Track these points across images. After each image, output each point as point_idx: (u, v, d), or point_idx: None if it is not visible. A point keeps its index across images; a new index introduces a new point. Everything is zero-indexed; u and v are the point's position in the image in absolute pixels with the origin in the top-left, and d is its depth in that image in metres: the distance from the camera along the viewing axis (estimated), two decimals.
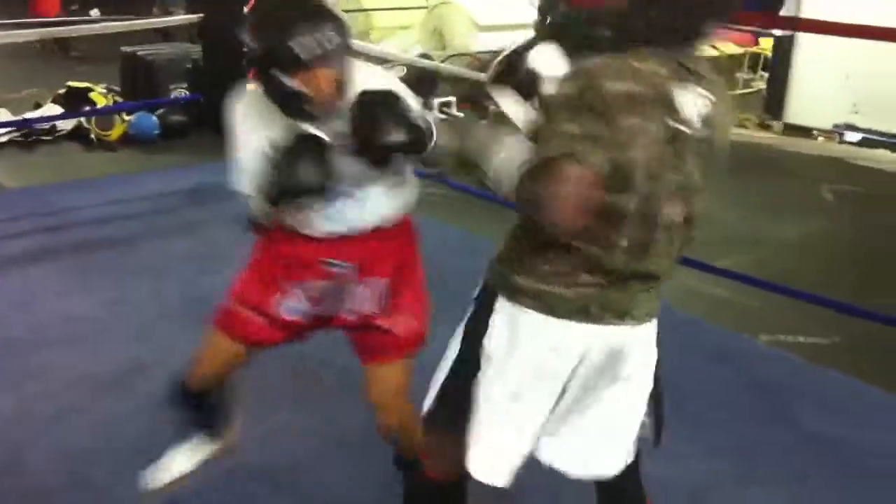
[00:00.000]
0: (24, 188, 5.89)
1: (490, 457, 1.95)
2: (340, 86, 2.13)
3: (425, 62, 8.09)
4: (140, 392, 3.36)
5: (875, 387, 3.69)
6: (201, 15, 5.95)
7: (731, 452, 3.17)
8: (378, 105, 2.04)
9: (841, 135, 7.96)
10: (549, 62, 1.87)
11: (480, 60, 8.57)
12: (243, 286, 2.46)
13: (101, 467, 2.95)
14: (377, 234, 2.34)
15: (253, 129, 2.23)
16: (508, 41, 2.18)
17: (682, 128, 1.73)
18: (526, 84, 1.91)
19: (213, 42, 5.97)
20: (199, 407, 2.69)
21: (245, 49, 2.10)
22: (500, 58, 1.97)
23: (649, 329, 1.97)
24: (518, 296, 1.88)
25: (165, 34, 9.14)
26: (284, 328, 2.43)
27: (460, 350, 1.97)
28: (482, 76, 6.85)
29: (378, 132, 2.02)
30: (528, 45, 1.94)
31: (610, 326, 1.88)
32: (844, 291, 4.37)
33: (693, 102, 1.75)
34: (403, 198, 2.37)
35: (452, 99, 8.59)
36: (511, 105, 1.90)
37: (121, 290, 4.23)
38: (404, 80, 8.13)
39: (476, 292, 1.99)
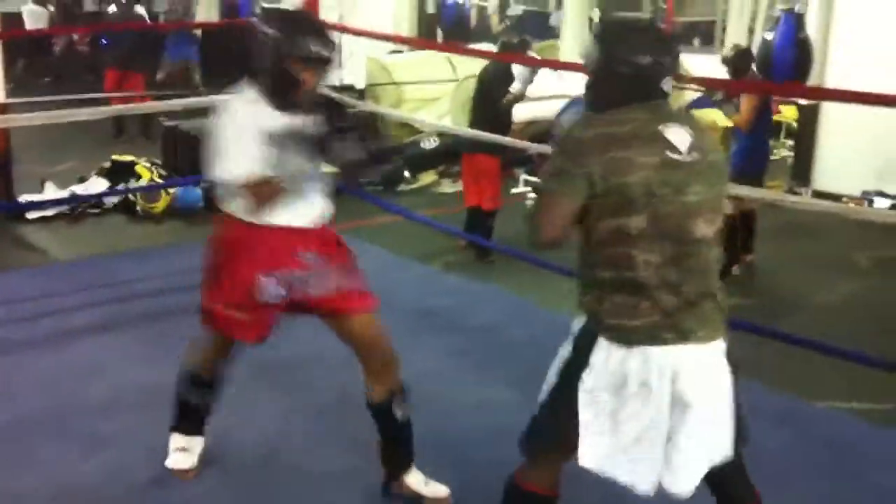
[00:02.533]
0: (78, 260, 6.01)
1: (602, 452, 2.33)
2: (316, 89, 2.82)
3: (458, 130, 8.26)
4: (231, 458, 3.45)
5: None
6: None
7: None
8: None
9: (870, 201, 8.11)
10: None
11: (512, 130, 8.75)
12: (226, 287, 2.92)
13: None
14: (324, 227, 2.99)
15: (244, 127, 2.76)
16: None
17: (672, 155, 2.23)
18: None
19: None
20: (203, 393, 3.24)
21: (267, 42, 2.76)
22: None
23: (717, 348, 2.31)
24: (605, 332, 2.27)
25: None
26: (266, 317, 2.95)
27: (558, 380, 2.39)
28: (515, 144, 7.05)
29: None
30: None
31: (684, 346, 2.24)
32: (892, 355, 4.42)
33: (677, 135, 2.26)
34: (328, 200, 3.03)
35: None
36: None
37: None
38: (437, 150, 8.45)
39: (575, 333, 2.38)
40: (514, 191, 8.40)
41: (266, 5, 7.05)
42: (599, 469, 2.33)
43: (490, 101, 6.34)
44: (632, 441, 2.28)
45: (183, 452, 3.32)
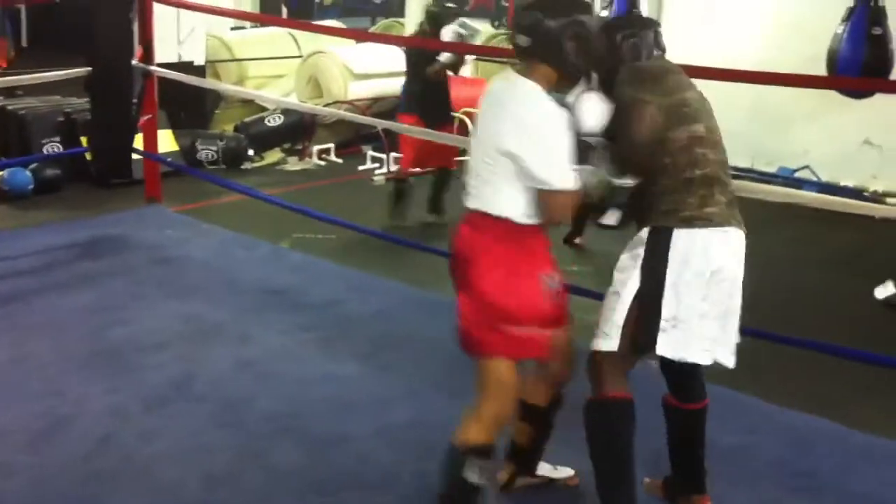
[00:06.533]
0: None
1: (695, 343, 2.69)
2: None
3: (305, 107, 8.19)
4: (61, 447, 3.32)
5: (759, 399, 4.01)
6: (89, 69, 5.88)
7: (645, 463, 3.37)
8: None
9: None
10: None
11: (358, 107, 8.73)
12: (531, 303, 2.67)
13: None
14: None
15: (564, 127, 2.63)
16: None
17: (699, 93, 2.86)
18: None
19: (102, 95, 5.91)
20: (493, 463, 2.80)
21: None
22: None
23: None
24: (690, 223, 2.68)
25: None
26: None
27: (642, 283, 2.70)
28: (362, 121, 7.08)
29: None
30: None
31: (740, 231, 2.75)
32: None
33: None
34: None
35: (331, 146, 8.72)
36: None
37: (22, 346, 4.13)
38: (282, 127, 8.31)
39: (640, 241, 2.75)
40: (360, 168, 8.38)
41: None
42: (672, 355, 2.69)
43: (414, 70, 6.38)
44: (706, 327, 2.68)
45: None
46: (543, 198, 2.58)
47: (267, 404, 3.71)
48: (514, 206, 2.60)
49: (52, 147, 7.34)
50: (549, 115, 2.58)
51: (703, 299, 2.67)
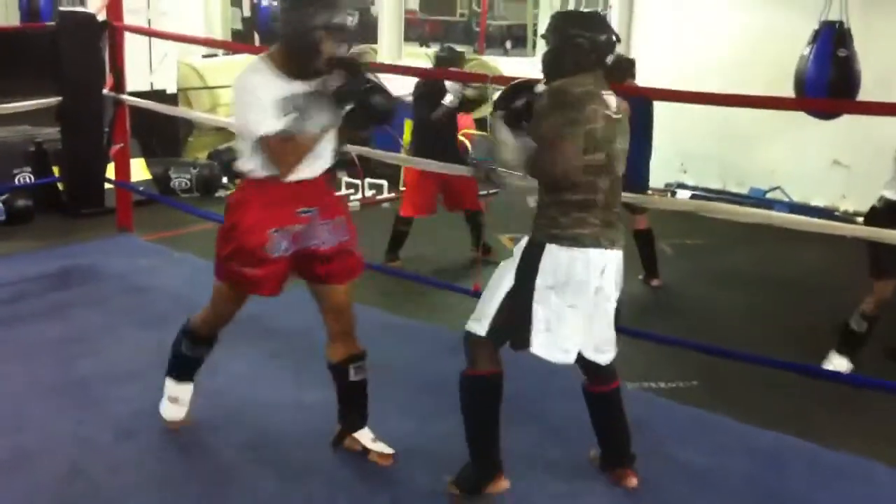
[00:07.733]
0: None
1: (559, 344, 3.06)
2: (338, 58, 3.07)
3: None
4: (28, 478, 3.28)
5: (731, 418, 4.02)
6: (59, 98, 5.86)
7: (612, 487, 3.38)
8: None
9: (673, 192, 8.55)
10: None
11: None
12: (239, 244, 3.15)
13: None
14: (324, 181, 3.24)
15: (270, 89, 3.00)
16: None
17: (610, 113, 3.02)
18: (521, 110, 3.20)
19: (73, 124, 5.89)
20: (200, 349, 3.57)
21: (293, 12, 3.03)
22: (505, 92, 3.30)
23: (621, 255, 3.15)
24: (559, 240, 3.01)
25: None
26: (277, 272, 3.21)
27: (514, 285, 3.06)
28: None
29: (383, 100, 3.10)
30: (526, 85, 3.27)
31: (610, 251, 3.06)
32: (694, 337, 4.67)
33: (610, 98, 3.06)
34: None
35: None
36: (502, 133, 3.19)
37: None
38: None
39: (520, 248, 3.11)
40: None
41: (65, 9, 6.71)
42: (545, 355, 3.05)
43: (420, 115, 6.28)
44: (570, 330, 3.03)
45: (174, 403, 3.62)
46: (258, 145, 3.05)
47: (237, 433, 3.68)
48: (252, 162, 3.10)
49: (24, 177, 7.32)
50: (246, 78, 3.04)
51: (568, 307, 3.02)
